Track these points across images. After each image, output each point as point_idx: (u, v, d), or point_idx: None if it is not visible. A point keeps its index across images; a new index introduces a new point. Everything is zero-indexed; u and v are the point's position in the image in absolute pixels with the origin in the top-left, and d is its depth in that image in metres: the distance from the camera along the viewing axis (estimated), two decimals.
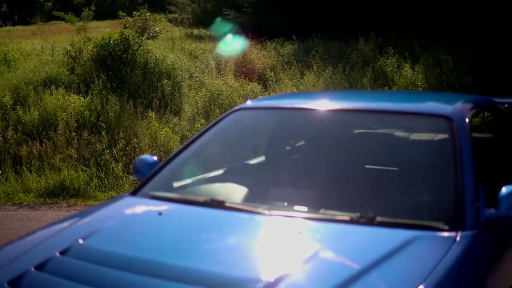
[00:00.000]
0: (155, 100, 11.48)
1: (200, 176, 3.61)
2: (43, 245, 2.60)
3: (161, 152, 9.77)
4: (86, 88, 11.49)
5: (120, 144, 9.72)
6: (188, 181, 3.50)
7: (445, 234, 2.56)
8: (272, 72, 13.06)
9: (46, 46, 14.93)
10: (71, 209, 7.94)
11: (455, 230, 2.57)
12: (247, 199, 3.14)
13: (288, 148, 3.90)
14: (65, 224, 2.89)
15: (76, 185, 8.84)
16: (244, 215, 2.85)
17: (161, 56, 13.08)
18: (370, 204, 2.84)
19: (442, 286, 2.18)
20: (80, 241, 2.57)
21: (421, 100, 4.19)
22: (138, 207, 3.12)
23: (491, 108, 4.05)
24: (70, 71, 12.42)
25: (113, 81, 11.62)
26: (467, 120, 3.22)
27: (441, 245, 2.46)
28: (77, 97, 11.08)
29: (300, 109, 3.71)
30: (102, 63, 12.29)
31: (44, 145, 9.73)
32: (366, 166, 3.53)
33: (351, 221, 2.68)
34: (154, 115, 10.91)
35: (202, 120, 11.05)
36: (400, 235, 2.51)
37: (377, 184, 3.16)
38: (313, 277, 2.20)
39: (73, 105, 10.68)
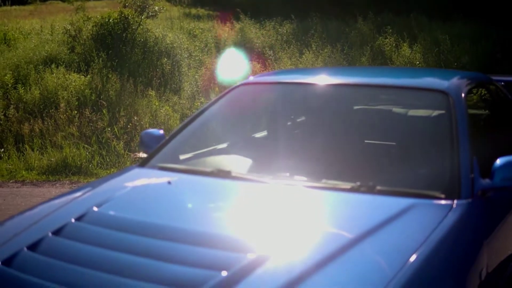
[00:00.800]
0: (155, 78, 11.57)
1: (205, 149, 3.73)
2: (58, 212, 2.72)
3: None
4: (86, 67, 11.57)
5: (121, 122, 9.82)
6: (194, 153, 3.61)
7: (442, 202, 2.68)
8: (271, 51, 13.14)
9: (45, 26, 14.96)
10: (74, 186, 8.04)
11: (451, 199, 2.69)
12: (251, 170, 3.26)
13: (289, 123, 4.01)
14: (78, 193, 3.00)
15: (78, 162, 8.94)
16: (249, 184, 2.98)
17: (161, 35, 13.15)
18: (370, 175, 2.95)
19: (439, 251, 2.30)
20: (94, 208, 2.69)
21: (418, 75, 4.31)
22: (148, 177, 3.24)
23: (487, 84, 4.16)
24: (70, 50, 12.48)
25: (113, 60, 11.70)
26: (462, 95, 3.33)
27: (438, 212, 2.58)
28: (78, 75, 11.16)
29: (301, 84, 3.82)
30: (101, 42, 12.36)
31: (45, 123, 9.82)
32: (366, 141, 3.64)
33: (352, 190, 2.80)
34: (154, 94, 11.00)
35: (202, 99, 11.15)
36: (399, 202, 2.63)
37: (376, 157, 3.27)
38: (312, 242, 2.33)
39: (73, 83, 10.76)
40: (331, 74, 3.99)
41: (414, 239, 2.30)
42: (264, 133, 4.08)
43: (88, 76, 11.14)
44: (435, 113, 3.52)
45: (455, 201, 2.67)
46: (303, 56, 12.77)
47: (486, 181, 2.84)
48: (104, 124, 9.83)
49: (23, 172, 8.81)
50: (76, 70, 11.59)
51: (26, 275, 2.22)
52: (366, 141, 3.64)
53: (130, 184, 3.12)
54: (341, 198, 2.76)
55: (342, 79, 3.83)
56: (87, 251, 2.31)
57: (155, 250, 2.26)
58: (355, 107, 3.95)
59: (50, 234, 2.47)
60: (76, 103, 10.34)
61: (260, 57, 12.99)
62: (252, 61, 12.46)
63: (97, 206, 2.71)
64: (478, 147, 3.08)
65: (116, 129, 9.73)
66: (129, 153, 9.44)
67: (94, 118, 9.95)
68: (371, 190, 2.76)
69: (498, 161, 2.87)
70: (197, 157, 3.61)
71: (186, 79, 12.20)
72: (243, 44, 13.64)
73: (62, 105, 10.09)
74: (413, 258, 2.17)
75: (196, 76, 12.08)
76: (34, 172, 8.84)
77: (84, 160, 9.02)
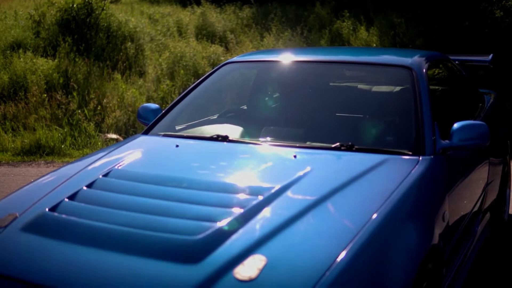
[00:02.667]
0: (120, 62, 11.87)
1: (198, 121, 4.16)
2: (86, 171, 3.11)
3: (129, 112, 10.23)
4: (53, 51, 11.79)
5: (92, 105, 10.12)
6: (188, 124, 4.03)
7: (410, 157, 3.17)
8: (233, 35, 13.54)
9: (8, 12, 15.04)
10: (50, 166, 8.34)
11: (417, 155, 3.18)
12: (243, 135, 3.70)
13: (270, 96, 4.44)
14: (97, 156, 3.42)
15: (51, 143, 9.21)
16: (246, 146, 3.45)
17: (124, 19, 13.42)
18: (347, 138, 3.41)
19: (409, 195, 2.77)
20: (116, 166, 3.10)
21: (384, 54, 4.80)
22: (157, 142, 3.67)
23: (444, 61, 4.66)
24: (35, 35, 12.66)
25: (79, 44, 11.94)
26: (424, 70, 3.82)
27: (407, 165, 3.06)
28: (45, 60, 11.38)
29: (278, 61, 4.28)
30: (66, 27, 12.56)
31: (17, 106, 10.05)
32: (337, 114, 4.10)
33: (334, 148, 3.28)
34: (120, 77, 11.31)
35: (168, 81, 11.48)
36: (374, 158, 3.11)
37: (350, 126, 3.75)
38: (306, 187, 2.80)
39: (41, 67, 10.98)
40: (305, 53, 4.45)
41: (388, 185, 2.78)
42: (248, 105, 4.53)
43: (56, 60, 11.36)
44: (397, 88, 4.00)
45: (421, 157, 3.16)
46: (264, 39, 13.19)
47: (446, 141, 3.34)
48: (74, 107, 10.11)
49: None
50: (43, 55, 11.79)
51: (76, 218, 2.60)
52: (337, 114, 4.09)
53: (142, 147, 3.55)
54: (326, 155, 3.23)
55: (316, 57, 4.31)
56: (120, 198, 2.71)
57: (178, 196, 2.69)
58: (330, 84, 4.39)
59: (84, 187, 2.87)
60: (45, 86, 10.58)
61: (222, 40, 13.36)
62: (215, 44, 12.83)
63: (119, 165, 3.12)
64: (438, 115, 3.57)
65: (86, 111, 10.03)
66: (100, 134, 9.77)
67: (64, 101, 10.22)
68: (350, 149, 3.25)
69: (455, 125, 3.36)
70: (192, 126, 4.03)
71: (150, 63, 12.52)
72: (205, 28, 13.99)
73: (34, 88, 10.31)
74: (388, 200, 2.64)
75: (160, 60, 12.41)
76: (8, 153, 9.08)
77: (57, 141, 9.30)
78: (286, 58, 4.25)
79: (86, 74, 11.04)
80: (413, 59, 3.96)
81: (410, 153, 3.22)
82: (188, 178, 2.90)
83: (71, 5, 12.75)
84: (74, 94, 10.34)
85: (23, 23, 13.38)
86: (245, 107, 4.41)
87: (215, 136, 3.56)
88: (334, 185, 2.75)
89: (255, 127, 3.73)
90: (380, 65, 4.09)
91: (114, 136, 10.04)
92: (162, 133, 3.79)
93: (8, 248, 2.49)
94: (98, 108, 10.17)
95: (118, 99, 10.68)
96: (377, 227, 2.42)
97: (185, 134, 3.75)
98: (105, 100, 10.34)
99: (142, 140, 3.71)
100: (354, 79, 4.48)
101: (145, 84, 11.54)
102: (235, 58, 4.40)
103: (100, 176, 2.98)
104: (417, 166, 3.04)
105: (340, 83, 4.47)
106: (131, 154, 3.33)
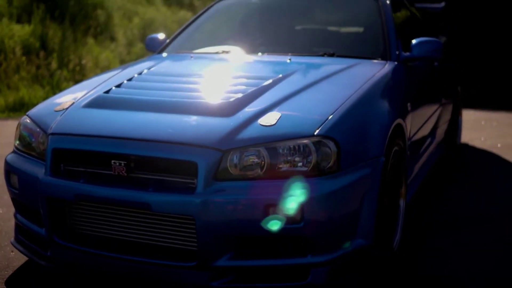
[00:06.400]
0: (92, 28, 12.41)
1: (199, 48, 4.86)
2: (121, 74, 3.80)
3: None
4: (28, 17, 12.23)
5: (71, 65, 10.67)
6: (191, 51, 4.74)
7: (379, 61, 3.95)
8: (200, 1, 14.17)
9: None
10: None
11: (384, 61, 3.97)
12: (242, 51, 4.39)
13: (259, 21, 5.12)
14: (124, 67, 4.14)
15: (35, 101, 9.73)
16: (248, 56, 4.22)
17: None
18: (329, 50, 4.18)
19: (376, 88, 3.47)
20: (145, 70, 3.80)
21: None
22: (173, 56, 4.42)
23: None
24: (8, 3, 13.05)
25: (52, 11, 12.41)
26: (388, 1, 4.55)
27: (376, 66, 3.81)
28: (21, 26, 11.83)
29: None
30: None
31: None
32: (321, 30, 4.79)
33: (320, 55, 4.08)
34: (93, 42, 11.86)
35: (140, 44, 12.08)
36: (352, 61, 3.88)
37: (333, 39, 4.53)
38: (302, 75, 3.55)
39: (18, 33, 11.45)
40: None
41: (364, 75, 3.55)
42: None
43: (32, 25, 11.82)
44: (369, 15, 4.69)
45: (387, 62, 3.94)
46: None
47: (407, 53, 4.11)
48: (55, 67, 10.65)
49: None
50: (18, 21, 12.23)
51: (127, 95, 3.28)
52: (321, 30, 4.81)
53: (163, 58, 4.33)
54: (314, 59, 4.00)
55: None
56: (159, 83, 3.46)
57: (206, 81, 3.50)
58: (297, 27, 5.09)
59: (125, 81, 3.55)
60: (22, 50, 11.06)
61: (190, 7, 13.96)
62: (183, 10, 13.44)
63: (147, 69, 3.85)
64: (401, 37, 4.34)
65: (65, 72, 10.57)
66: None
67: (43, 63, 10.74)
68: (332, 55, 4.04)
69: (414, 41, 4.13)
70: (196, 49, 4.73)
71: (119, 30, 13.08)
72: None
73: (12, 52, 10.77)
74: (365, 84, 3.38)
75: (131, 25, 12.97)
76: None
77: (40, 99, 9.81)
78: None
79: (62, 38, 11.55)
80: None
81: (380, 59, 4.00)
82: (208, 74, 3.69)
83: None
84: (54, 55, 10.86)
85: None
86: (241, 35, 5.08)
87: (220, 51, 4.34)
88: (323, 74, 3.54)
89: (250, 46, 4.45)
90: None
91: None
92: (176, 52, 4.55)
93: (76, 119, 3.13)
94: (77, 68, 10.72)
95: (94, 61, 11.25)
96: (359, 97, 3.19)
97: (195, 51, 4.47)
98: (83, 62, 10.89)
99: (159, 56, 4.45)
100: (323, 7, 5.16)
101: (117, 48, 12.11)
102: None
103: (136, 75, 3.68)
104: (385, 67, 3.82)
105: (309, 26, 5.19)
106: (154, 63, 4.07)
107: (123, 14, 13.80)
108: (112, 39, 12.65)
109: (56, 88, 10.16)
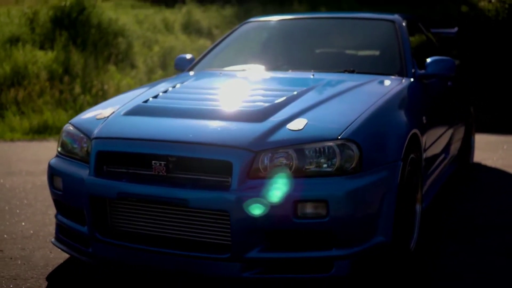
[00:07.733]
0: (113, 55, 12.77)
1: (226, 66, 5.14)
2: (156, 87, 4.09)
3: None
4: (50, 44, 12.62)
5: (94, 90, 11.01)
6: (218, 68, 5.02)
7: (396, 77, 4.24)
8: (218, 30, 14.53)
9: (1, 11, 15.80)
10: None
11: (401, 77, 4.25)
12: (268, 69, 4.69)
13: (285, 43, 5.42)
14: (159, 81, 4.46)
15: (58, 124, 10.05)
16: (275, 72, 4.55)
17: (114, 17, 14.32)
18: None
19: (396, 96, 3.78)
20: (178, 85, 4.09)
21: (369, 13, 5.93)
22: (202, 73, 4.71)
23: (418, 22, 5.69)
24: (31, 30, 13.47)
25: (74, 38, 12.81)
26: (404, 23, 4.83)
27: (394, 81, 4.09)
28: (44, 52, 12.22)
29: (289, 19, 5.38)
30: (59, 23, 13.41)
31: (25, 91, 10.87)
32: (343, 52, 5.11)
33: (341, 71, 4.36)
34: (115, 69, 12.22)
35: (160, 72, 12.41)
36: (371, 76, 4.18)
37: (353, 59, 4.85)
38: (326, 88, 3.83)
39: (41, 59, 11.83)
40: (308, 14, 5.57)
41: (382, 90, 3.83)
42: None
43: (54, 52, 12.20)
44: (387, 34, 4.95)
45: (404, 78, 4.23)
46: None
47: (422, 71, 4.37)
48: (78, 91, 10.99)
49: (9, 133, 9.83)
50: (41, 48, 12.62)
51: (165, 104, 3.57)
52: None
53: (194, 75, 4.66)
54: (335, 75, 4.27)
55: (315, 15, 5.49)
56: (193, 95, 3.78)
57: (237, 93, 3.78)
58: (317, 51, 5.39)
59: (161, 93, 3.84)
60: (46, 76, 11.41)
61: (208, 35, 14.33)
62: (202, 38, 13.80)
63: (180, 83, 4.16)
64: (416, 57, 4.60)
65: (88, 96, 10.90)
66: None
67: (66, 88, 11.08)
68: (352, 72, 4.35)
69: (429, 59, 4.39)
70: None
71: (139, 58, 13.44)
72: (191, 25, 14.95)
73: (35, 77, 11.12)
74: (383, 97, 3.65)
75: (150, 53, 13.31)
76: (18, 133, 9.87)
77: (64, 122, 10.12)
78: (293, 17, 5.40)
79: (84, 64, 11.91)
80: (394, 16, 4.99)
81: (396, 75, 4.29)
82: (238, 86, 4.02)
83: (64, 4, 13.60)
84: (77, 81, 11.20)
85: (17, 20, 14.15)
86: (265, 55, 5.35)
87: (248, 69, 4.67)
88: (345, 87, 3.83)
89: (276, 64, 4.76)
90: (368, 19, 5.14)
91: None
92: (205, 70, 4.85)
93: (118, 124, 3.40)
94: (100, 93, 11.05)
95: (115, 87, 11.58)
96: (378, 107, 3.47)
97: (222, 70, 4.77)
98: (105, 86, 11.23)
99: (190, 73, 4.77)
100: (345, 30, 5.45)
101: (137, 75, 12.45)
102: (251, 19, 5.44)
103: (170, 88, 3.97)
104: (402, 82, 4.10)
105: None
106: (187, 79, 4.39)
107: (143, 42, 14.17)
108: (133, 66, 13.00)
109: (80, 112, 10.47)
